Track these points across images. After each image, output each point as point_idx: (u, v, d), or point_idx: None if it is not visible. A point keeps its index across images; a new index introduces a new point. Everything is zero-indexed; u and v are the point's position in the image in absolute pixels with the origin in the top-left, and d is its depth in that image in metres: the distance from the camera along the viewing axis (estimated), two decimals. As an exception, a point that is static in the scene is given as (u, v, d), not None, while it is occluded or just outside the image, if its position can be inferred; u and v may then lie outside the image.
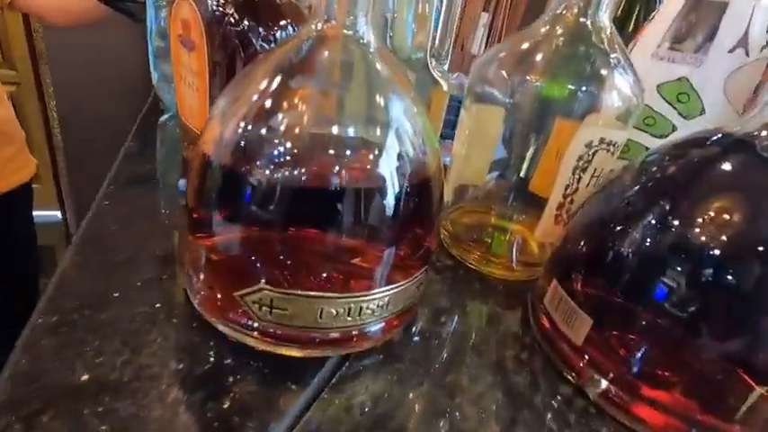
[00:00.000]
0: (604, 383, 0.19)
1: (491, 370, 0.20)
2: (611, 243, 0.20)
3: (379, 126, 0.18)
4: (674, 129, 0.28)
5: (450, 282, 0.27)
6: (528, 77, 0.25)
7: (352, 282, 0.18)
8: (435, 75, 0.36)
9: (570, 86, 0.24)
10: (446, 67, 0.39)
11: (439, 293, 0.25)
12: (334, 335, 0.18)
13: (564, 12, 0.24)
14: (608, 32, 0.24)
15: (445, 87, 0.37)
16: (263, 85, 0.17)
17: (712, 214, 0.17)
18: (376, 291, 0.18)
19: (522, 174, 0.28)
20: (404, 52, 0.37)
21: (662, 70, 0.28)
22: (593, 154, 0.23)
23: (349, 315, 0.18)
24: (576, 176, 0.23)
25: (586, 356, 0.20)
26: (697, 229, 0.17)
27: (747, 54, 0.26)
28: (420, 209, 0.19)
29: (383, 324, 0.19)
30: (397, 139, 0.18)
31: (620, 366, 0.19)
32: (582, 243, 0.21)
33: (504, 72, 0.25)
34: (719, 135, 0.19)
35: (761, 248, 0.16)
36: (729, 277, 0.16)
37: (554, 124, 0.25)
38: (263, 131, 0.17)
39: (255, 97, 0.17)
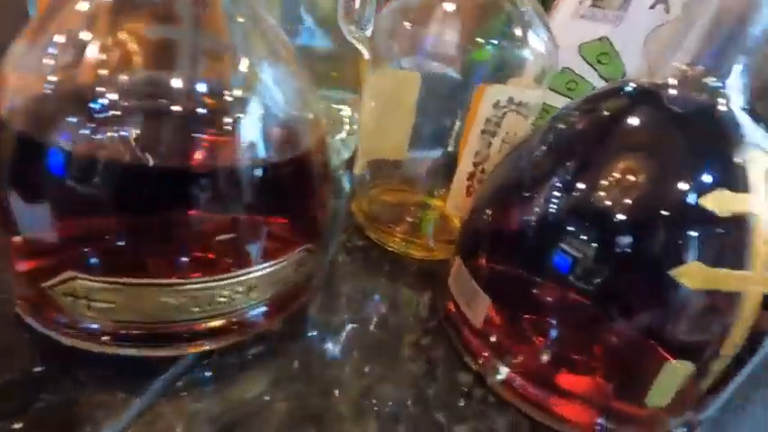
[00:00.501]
0: (504, 370, 0.17)
1: (384, 360, 0.18)
2: (513, 212, 0.17)
3: (235, 88, 0.14)
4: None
5: (358, 264, 0.24)
6: (446, 37, 0.22)
7: (202, 266, 0.15)
8: (352, 41, 0.33)
9: (489, 48, 0.21)
10: (368, 32, 0.36)
11: (343, 277, 0.23)
12: (181, 329, 0.15)
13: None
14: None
15: (366, 55, 0.34)
16: (79, 25, 0.13)
17: (616, 176, 0.15)
18: (230, 275, 0.15)
19: (449, 147, 0.26)
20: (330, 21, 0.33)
21: (584, 29, 0.26)
22: (503, 116, 0.21)
23: (196, 306, 0.15)
24: (486, 141, 0.21)
25: (488, 339, 0.18)
26: (600, 193, 0.15)
27: (668, 11, 0.24)
28: (289, 181, 0.16)
29: (252, 314, 0.16)
30: (258, 103, 0.14)
31: (524, 350, 0.17)
32: (487, 214, 0.19)
33: (415, 30, 0.22)
34: (630, 86, 0.17)
35: (663, 212, 0.14)
36: (633, 243, 0.14)
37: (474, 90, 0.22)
38: (76, 88, 0.13)
39: (65, 41, 0.13)
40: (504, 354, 0.17)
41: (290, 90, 0.16)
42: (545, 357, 0.17)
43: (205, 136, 0.14)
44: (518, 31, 0.21)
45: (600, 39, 0.25)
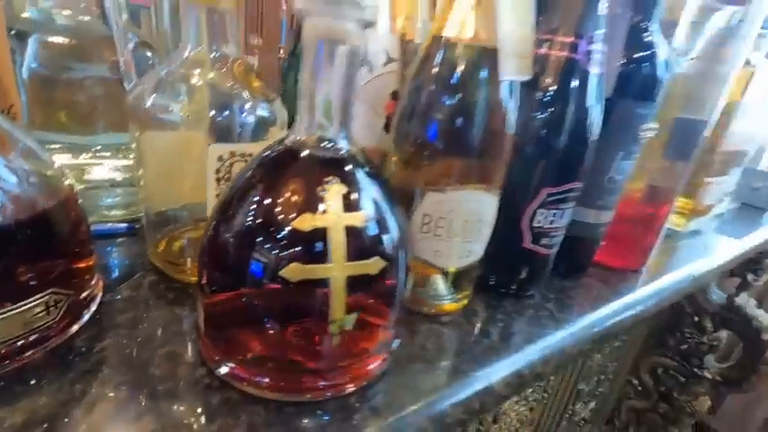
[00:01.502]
0: (226, 368, 0.23)
1: (134, 367, 0.23)
2: (217, 233, 0.23)
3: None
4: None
5: (146, 295, 0.29)
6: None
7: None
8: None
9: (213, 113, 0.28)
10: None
11: (122, 308, 0.27)
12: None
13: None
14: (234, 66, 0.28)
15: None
16: None
17: (267, 205, 0.21)
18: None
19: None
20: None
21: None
22: (230, 165, 0.27)
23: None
24: (222, 186, 0.27)
25: (215, 343, 0.23)
26: (265, 218, 0.21)
27: (371, 71, 0.32)
28: (28, 238, 0.21)
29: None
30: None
31: (240, 348, 0.23)
32: (203, 243, 0.24)
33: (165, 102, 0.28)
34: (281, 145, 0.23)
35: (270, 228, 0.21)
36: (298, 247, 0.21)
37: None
38: None
39: None
40: (225, 353, 0.23)
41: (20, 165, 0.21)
42: (257, 349, 0.23)
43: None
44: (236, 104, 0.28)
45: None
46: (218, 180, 0.27)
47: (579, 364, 0.70)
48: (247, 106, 0.27)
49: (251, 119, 0.27)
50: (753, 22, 0.39)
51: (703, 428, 1.48)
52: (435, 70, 0.26)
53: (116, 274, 0.31)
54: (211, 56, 0.27)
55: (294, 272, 0.20)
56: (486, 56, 0.25)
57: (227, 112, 0.27)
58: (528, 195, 0.32)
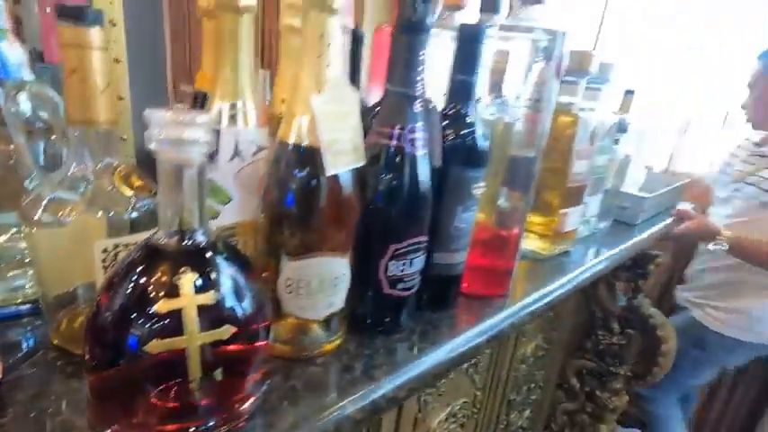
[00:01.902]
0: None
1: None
2: (96, 316, 0.28)
3: None
4: (217, 214, 0.39)
5: (40, 374, 0.33)
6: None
7: None
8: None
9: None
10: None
11: (22, 387, 0.31)
12: None
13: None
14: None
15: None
16: None
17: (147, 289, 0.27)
18: None
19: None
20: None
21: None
22: (116, 255, 0.32)
23: None
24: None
25: (99, 410, 0.28)
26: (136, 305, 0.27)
27: (243, 160, 0.39)
28: None
29: None
30: None
31: (120, 414, 0.28)
32: (86, 318, 0.29)
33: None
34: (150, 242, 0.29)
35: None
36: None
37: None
38: None
39: None
40: (108, 418, 0.28)
41: None
42: (134, 413, 0.28)
43: None
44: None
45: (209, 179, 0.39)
46: (104, 268, 0.32)
47: (505, 376, 0.78)
48: (129, 206, 0.33)
49: (135, 215, 0.33)
50: (556, 77, 0.50)
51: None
52: (282, 166, 0.34)
53: (19, 353, 0.35)
54: (97, 167, 0.33)
55: (155, 346, 0.25)
56: (318, 153, 0.33)
57: (111, 213, 0.32)
58: (379, 252, 0.39)
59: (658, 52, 1.77)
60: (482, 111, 0.51)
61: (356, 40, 0.53)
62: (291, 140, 0.33)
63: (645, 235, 0.95)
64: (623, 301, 1.21)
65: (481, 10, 0.51)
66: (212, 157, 0.39)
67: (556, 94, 0.53)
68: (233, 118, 0.38)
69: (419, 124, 0.38)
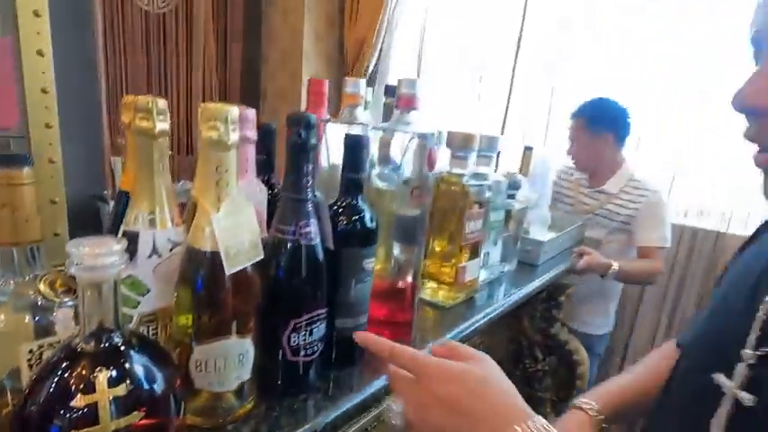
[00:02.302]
0: None
1: None
2: (21, 410, 0.33)
3: None
4: (137, 304, 0.46)
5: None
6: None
7: None
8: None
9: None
10: None
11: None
12: None
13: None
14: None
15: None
16: None
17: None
18: None
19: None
20: None
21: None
22: (41, 354, 0.38)
23: None
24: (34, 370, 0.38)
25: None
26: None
27: (160, 256, 0.46)
28: None
29: None
30: None
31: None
32: (13, 411, 0.35)
33: None
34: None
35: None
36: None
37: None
38: None
39: None
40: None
41: None
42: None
43: None
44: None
45: (128, 275, 0.46)
46: (30, 366, 0.37)
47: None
48: (54, 309, 0.39)
49: (59, 316, 0.39)
50: (428, 167, 0.62)
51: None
52: (190, 266, 0.41)
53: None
54: (26, 279, 0.38)
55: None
56: (219, 256, 0.41)
57: (37, 318, 0.38)
58: (282, 326, 0.47)
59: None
60: (374, 179, 0.61)
61: (268, 133, 0.62)
62: (197, 246, 0.41)
63: (548, 274, 1.09)
64: (544, 329, 1.35)
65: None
66: (132, 256, 0.45)
67: (431, 175, 0.65)
68: (151, 222, 0.45)
69: (311, 219, 0.47)
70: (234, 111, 0.40)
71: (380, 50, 1.79)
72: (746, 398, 0.34)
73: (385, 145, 0.60)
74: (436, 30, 1.79)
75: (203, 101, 1.70)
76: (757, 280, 0.38)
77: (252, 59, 1.87)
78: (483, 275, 0.90)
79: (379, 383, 0.54)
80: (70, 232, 0.61)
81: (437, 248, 0.81)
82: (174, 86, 1.61)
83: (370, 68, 1.82)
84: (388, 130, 0.58)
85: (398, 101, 0.58)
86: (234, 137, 0.40)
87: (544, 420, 0.33)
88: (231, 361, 0.42)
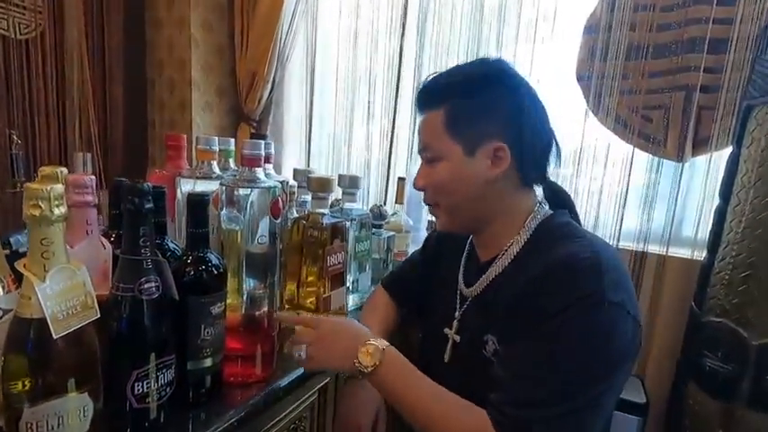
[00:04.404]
0: None
1: None
2: None
3: None
4: None
5: None
6: None
7: None
8: None
9: None
10: None
11: None
12: None
13: None
14: None
15: None
16: None
17: None
18: None
19: None
20: None
21: None
22: None
23: None
24: None
25: None
26: None
27: (-10, 324, 0.47)
28: None
29: None
30: None
31: None
32: None
33: None
34: None
35: None
36: None
37: None
38: None
39: None
40: None
41: None
42: None
43: None
44: None
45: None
46: None
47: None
48: None
49: None
50: (274, 216, 0.70)
51: None
52: (18, 334, 0.44)
53: None
54: None
55: None
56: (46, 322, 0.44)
57: None
58: (125, 377, 0.51)
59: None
60: (223, 219, 0.66)
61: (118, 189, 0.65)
62: (25, 315, 0.44)
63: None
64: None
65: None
66: None
67: (278, 223, 0.72)
68: (-21, 289, 0.47)
69: (151, 276, 0.52)
70: (57, 188, 0.44)
71: (273, 82, 1.84)
72: (456, 338, 0.71)
73: (231, 192, 0.66)
74: (324, 61, 1.88)
75: (80, 136, 1.60)
76: None
77: (135, 87, 1.82)
78: (353, 300, 0.99)
79: (235, 416, 0.60)
80: None
81: (309, 278, 0.88)
82: (42, 119, 1.50)
83: (264, 98, 1.86)
84: (233, 186, 0.65)
85: (242, 160, 0.65)
86: (58, 212, 0.44)
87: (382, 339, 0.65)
88: (68, 418, 0.45)
